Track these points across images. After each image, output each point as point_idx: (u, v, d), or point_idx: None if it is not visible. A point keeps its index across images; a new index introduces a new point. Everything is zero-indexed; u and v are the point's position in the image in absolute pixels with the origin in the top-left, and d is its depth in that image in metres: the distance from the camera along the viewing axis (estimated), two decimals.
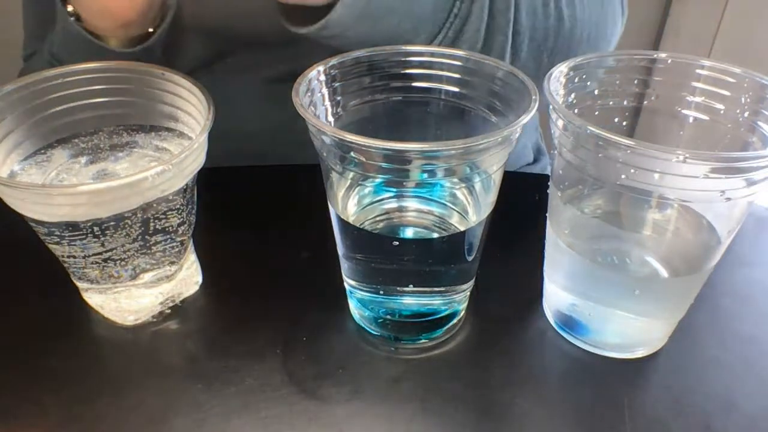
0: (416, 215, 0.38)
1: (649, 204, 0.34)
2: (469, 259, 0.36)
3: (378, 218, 0.38)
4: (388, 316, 0.38)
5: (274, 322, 0.39)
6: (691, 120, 0.36)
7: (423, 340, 0.38)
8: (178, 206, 0.35)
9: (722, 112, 0.35)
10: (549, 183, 0.36)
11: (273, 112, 0.54)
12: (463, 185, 0.37)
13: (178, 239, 0.37)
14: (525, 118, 0.30)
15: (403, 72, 0.37)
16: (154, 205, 0.34)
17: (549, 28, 0.48)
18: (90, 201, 0.31)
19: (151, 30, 0.48)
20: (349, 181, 0.36)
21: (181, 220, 0.36)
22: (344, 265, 0.38)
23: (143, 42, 0.47)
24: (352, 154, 0.30)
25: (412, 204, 0.38)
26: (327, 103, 0.35)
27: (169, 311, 0.40)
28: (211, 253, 0.43)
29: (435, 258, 0.36)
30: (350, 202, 0.37)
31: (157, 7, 0.47)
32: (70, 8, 0.47)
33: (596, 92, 0.36)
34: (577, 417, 0.34)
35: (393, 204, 0.38)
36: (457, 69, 0.36)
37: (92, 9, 0.45)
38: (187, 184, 0.35)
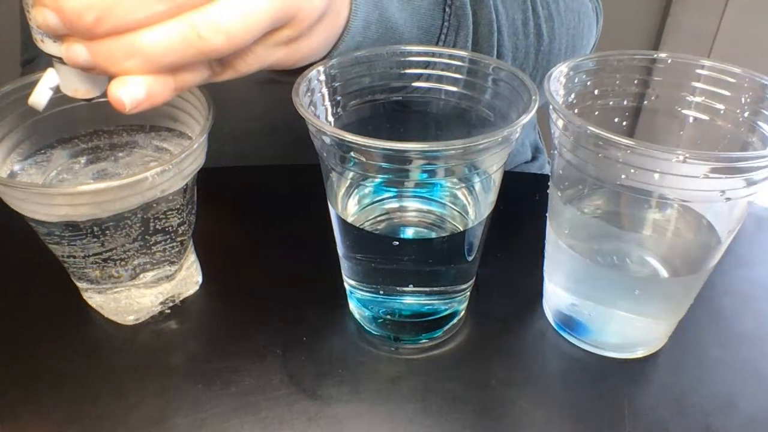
0: (416, 215, 0.38)
1: (649, 204, 0.34)
2: (469, 259, 0.36)
3: (378, 218, 0.38)
4: (388, 316, 0.38)
5: (274, 322, 0.39)
6: (691, 120, 0.36)
7: (423, 340, 0.38)
8: (178, 206, 0.35)
9: (722, 112, 0.35)
10: (549, 183, 0.36)
11: (270, 112, 0.54)
12: (463, 185, 0.37)
13: (178, 239, 0.37)
14: (525, 118, 0.30)
15: (403, 72, 0.37)
16: (154, 205, 0.34)
17: (529, 45, 0.48)
18: (90, 201, 0.31)
19: None
20: (349, 181, 0.36)
21: (181, 220, 0.36)
22: (344, 265, 0.38)
23: None
24: (352, 154, 0.30)
25: (412, 204, 0.38)
26: (327, 103, 0.35)
27: (169, 311, 0.40)
28: (211, 253, 0.43)
29: (435, 258, 0.36)
30: (350, 202, 0.37)
31: None
32: None
33: (596, 92, 0.36)
34: (577, 417, 0.34)
35: (393, 204, 0.38)
36: (457, 69, 0.36)
37: None
38: (187, 184, 0.35)
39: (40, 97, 0.31)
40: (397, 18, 0.39)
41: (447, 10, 0.43)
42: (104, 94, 0.31)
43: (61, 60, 0.28)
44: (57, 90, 0.31)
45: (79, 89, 0.30)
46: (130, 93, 0.27)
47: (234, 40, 0.27)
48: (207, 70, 0.30)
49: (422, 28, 0.41)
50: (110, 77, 0.27)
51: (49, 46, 0.28)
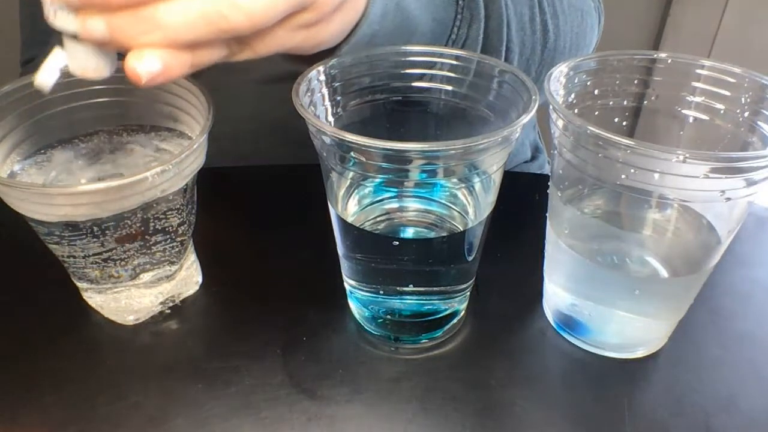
0: (416, 215, 0.38)
1: (649, 204, 0.34)
2: (469, 259, 0.36)
3: (378, 218, 0.38)
4: (388, 316, 0.38)
5: (274, 322, 0.39)
6: (691, 120, 0.36)
7: (423, 340, 0.38)
8: (178, 206, 0.35)
9: (722, 112, 0.35)
10: (549, 183, 0.36)
11: (270, 112, 0.54)
12: (463, 185, 0.37)
13: (178, 239, 0.37)
14: (525, 118, 0.30)
15: (403, 72, 0.37)
16: (154, 205, 0.34)
17: (536, 42, 0.48)
18: (90, 201, 0.31)
19: None
20: (349, 181, 0.36)
21: (181, 220, 0.36)
22: (344, 265, 0.38)
23: None
24: (352, 154, 0.30)
25: (412, 204, 0.38)
26: (327, 103, 0.35)
27: (169, 311, 0.40)
28: (211, 253, 0.43)
29: (435, 258, 0.36)
30: (350, 202, 0.37)
31: None
32: None
33: (596, 92, 0.36)
34: (577, 417, 0.34)
35: (393, 204, 0.38)
36: (457, 69, 0.36)
37: None
38: (187, 184, 0.35)
39: (47, 77, 0.30)
40: (413, 8, 0.39)
41: (460, 2, 0.43)
42: (107, 82, 0.30)
43: (72, 37, 0.27)
44: (65, 74, 0.30)
45: (88, 68, 0.29)
46: (147, 66, 0.27)
47: (255, 19, 0.27)
48: (225, 48, 0.30)
49: (436, 19, 0.42)
50: (122, 54, 0.27)
51: (61, 21, 0.27)
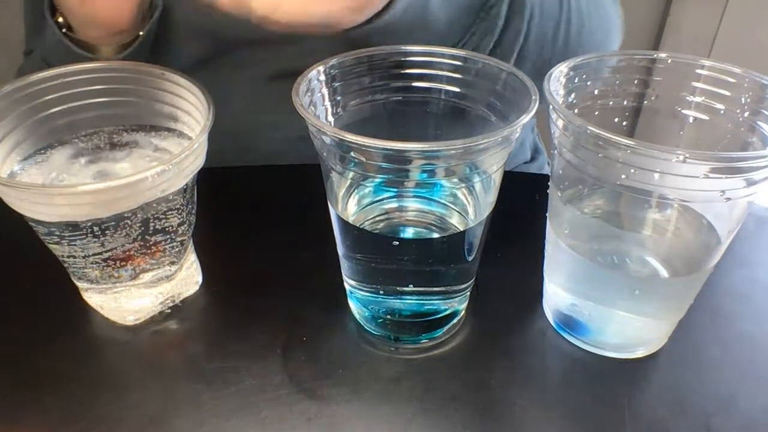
0: (416, 215, 0.38)
1: (649, 204, 0.34)
2: (469, 259, 0.36)
3: (378, 218, 0.38)
4: (388, 316, 0.38)
5: (274, 322, 0.39)
6: (691, 120, 0.36)
7: (423, 340, 0.38)
8: (178, 206, 0.35)
9: (722, 112, 0.35)
10: (549, 183, 0.36)
11: (271, 111, 0.54)
12: (463, 185, 0.37)
13: (178, 239, 0.37)
14: (525, 118, 0.30)
15: (403, 72, 0.37)
16: (154, 205, 0.34)
17: (554, 54, 0.49)
18: (90, 201, 0.31)
19: (141, 33, 0.48)
20: (349, 181, 0.36)
21: (181, 220, 0.36)
22: (344, 265, 0.38)
23: (131, 47, 0.47)
24: (352, 154, 0.30)
25: (412, 204, 0.38)
26: (327, 103, 0.35)
27: (169, 311, 0.40)
28: (211, 253, 0.43)
29: (435, 258, 0.36)
30: (350, 202, 0.37)
31: (145, 7, 0.47)
32: (60, 19, 0.46)
33: (596, 92, 0.36)
34: (577, 417, 0.34)
35: (393, 204, 0.38)
36: (457, 69, 0.36)
37: (83, 19, 0.45)
38: (187, 184, 0.35)
39: None
40: (436, 9, 0.41)
41: (482, 14, 0.43)
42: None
43: None
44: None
45: None
46: None
47: (284, 20, 0.32)
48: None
49: (452, 21, 0.43)
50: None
51: None
